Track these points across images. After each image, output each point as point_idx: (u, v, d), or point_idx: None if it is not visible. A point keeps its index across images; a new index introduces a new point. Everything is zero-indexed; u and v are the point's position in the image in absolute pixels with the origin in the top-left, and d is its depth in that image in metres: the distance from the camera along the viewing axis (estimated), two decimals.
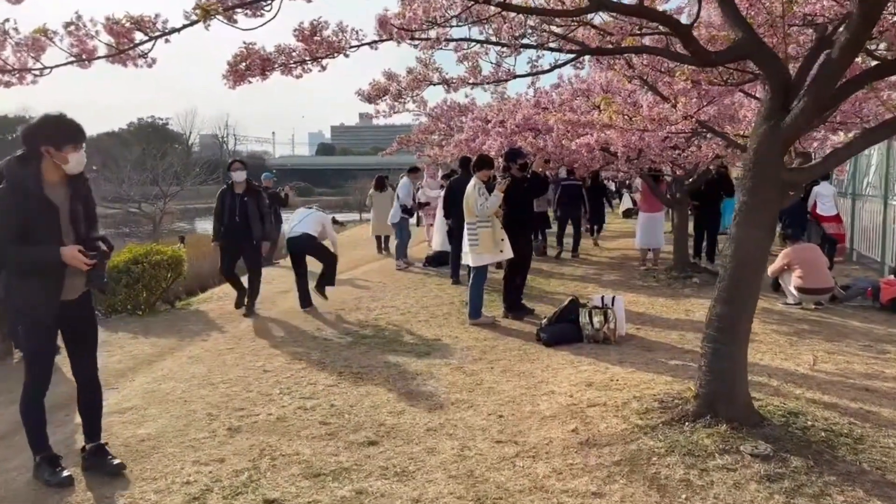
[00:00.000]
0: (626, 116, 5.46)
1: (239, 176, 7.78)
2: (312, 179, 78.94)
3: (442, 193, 12.65)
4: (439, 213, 11.13)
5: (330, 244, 8.29)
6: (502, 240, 6.76)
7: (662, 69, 4.67)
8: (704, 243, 10.21)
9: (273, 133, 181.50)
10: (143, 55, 2.85)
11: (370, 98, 5.32)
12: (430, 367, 5.37)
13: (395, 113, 14.45)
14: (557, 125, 6.73)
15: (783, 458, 3.23)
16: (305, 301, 8.04)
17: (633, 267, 10.72)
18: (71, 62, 2.73)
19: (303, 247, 7.92)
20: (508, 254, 6.82)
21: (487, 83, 4.46)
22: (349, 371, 5.33)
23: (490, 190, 6.79)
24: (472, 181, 6.74)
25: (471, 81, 4.57)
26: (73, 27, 2.61)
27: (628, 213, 20.62)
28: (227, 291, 9.72)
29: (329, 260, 8.02)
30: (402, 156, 18.71)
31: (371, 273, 11.09)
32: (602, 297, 6.35)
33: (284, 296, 9.12)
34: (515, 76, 4.42)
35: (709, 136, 7.03)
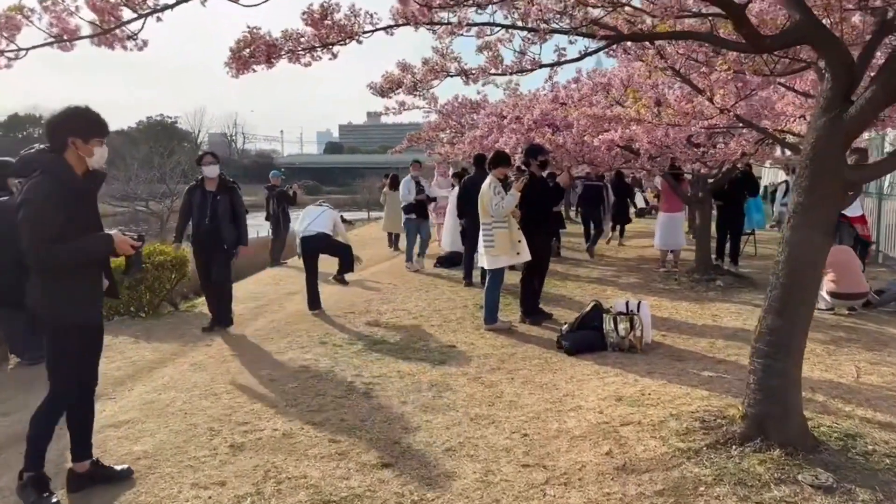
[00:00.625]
0: (654, 111, 5.10)
1: (211, 171, 6.71)
2: (321, 178, 78.73)
3: (453, 192, 12.66)
4: (450, 212, 10.82)
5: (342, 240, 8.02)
6: (519, 241, 6.42)
7: (699, 58, 4.32)
8: (728, 244, 9.82)
9: (281, 131, 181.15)
10: (132, 36, 2.54)
11: (383, 91, 4.99)
12: (445, 378, 5.04)
13: (404, 110, 14.21)
14: (579, 120, 6.38)
15: (848, 490, 2.88)
16: (315, 303, 7.73)
17: (653, 269, 10.34)
18: (49, 43, 2.42)
19: (318, 246, 7.62)
20: (526, 256, 6.48)
21: (510, 73, 4.12)
22: (360, 381, 5.01)
23: (507, 189, 6.45)
24: (488, 180, 6.40)
25: (492, 72, 4.23)
26: (50, 2, 2.30)
27: (641, 213, 20.23)
28: (233, 293, 9.44)
29: (344, 250, 7.82)
30: (412, 154, 18.44)
31: (381, 274, 10.78)
32: (626, 303, 6.00)
33: (292, 298, 8.82)
34: (541, 65, 4.07)
35: (736, 132, 6.68)
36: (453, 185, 12.13)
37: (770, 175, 19.84)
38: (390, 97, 4.98)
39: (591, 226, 12.24)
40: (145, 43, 2.58)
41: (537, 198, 6.45)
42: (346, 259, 7.84)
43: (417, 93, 4.62)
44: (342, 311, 7.70)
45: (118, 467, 3.57)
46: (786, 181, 11.26)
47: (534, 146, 6.87)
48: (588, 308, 5.97)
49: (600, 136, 6.13)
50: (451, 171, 14.44)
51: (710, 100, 4.57)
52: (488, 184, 6.30)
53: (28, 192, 2.96)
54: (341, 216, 9.43)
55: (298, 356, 5.80)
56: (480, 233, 6.38)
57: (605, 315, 5.79)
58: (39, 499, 3.22)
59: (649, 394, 4.49)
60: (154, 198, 26.57)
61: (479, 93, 12.97)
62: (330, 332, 6.69)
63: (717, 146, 6.85)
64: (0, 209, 5.03)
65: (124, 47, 2.52)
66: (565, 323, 6.10)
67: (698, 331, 6.47)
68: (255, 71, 3.36)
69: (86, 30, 2.44)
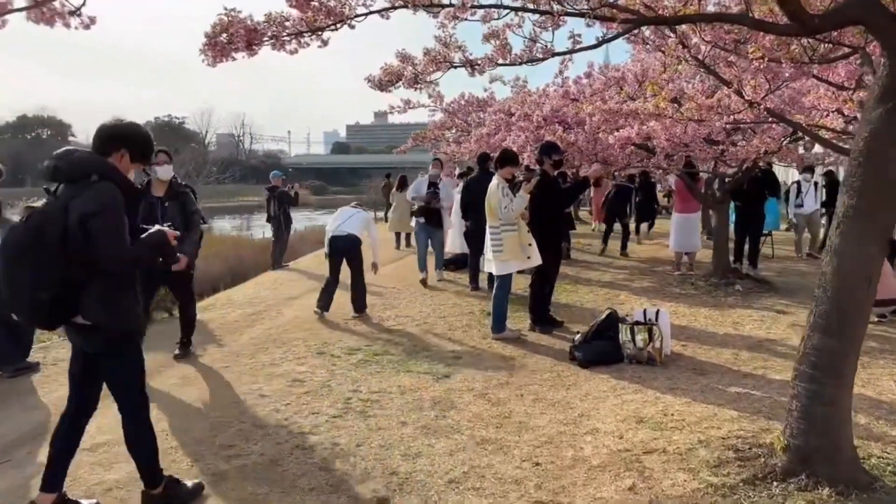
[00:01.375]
0: (676, 105, 4.71)
1: (164, 172, 5.54)
2: (327, 178, 78.66)
3: (457, 192, 12.45)
4: (455, 212, 10.45)
5: (371, 245, 7.55)
6: (529, 245, 6.03)
7: (727, 46, 3.93)
8: (746, 247, 9.39)
9: (289, 132, 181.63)
10: (76, 11, 2.18)
11: (381, 84, 4.62)
12: (449, 394, 4.66)
13: (409, 108, 13.91)
14: (593, 116, 5.99)
15: None
16: (325, 305, 7.41)
17: (667, 272, 9.93)
18: None
19: (347, 247, 7.29)
20: (536, 260, 6.09)
21: (520, 63, 3.74)
22: (357, 398, 4.64)
23: (515, 189, 6.07)
24: (495, 180, 6.02)
25: (499, 62, 3.85)
26: None
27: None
28: (231, 298, 9.11)
29: (360, 282, 7.47)
30: (415, 154, 18.13)
31: (385, 277, 10.40)
32: (644, 311, 5.60)
33: (291, 303, 8.47)
34: (554, 54, 3.69)
35: (758, 128, 6.26)
36: (459, 185, 11.80)
37: (781, 174, 19.35)
38: (390, 91, 4.60)
39: (612, 227, 12.05)
40: (92, 21, 2.23)
41: (549, 199, 6.06)
42: (360, 295, 7.49)
43: (419, 86, 4.24)
44: (342, 318, 7.34)
45: (85, 502, 3.21)
46: (798, 181, 10.81)
47: (548, 144, 6.47)
48: (602, 317, 5.58)
49: (615, 133, 5.74)
50: (457, 171, 14.08)
51: (739, 92, 4.17)
52: (496, 185, 5.92)
53: (103, 198, 2.76)
54: None
55: (293, 368, 5.44)
56: (487, 236, 6.00)
57: (621, 325, 5.40)
58: (192, 494, 3.24)
59: (673, 414, 4.10)
60: None
61: (485, 90, 12.54)
62: (328, 341, 6.33)
63: (738, 144, 6.44)
64: None
65: (67, 25, 2.17)
66: (578, 333, 5.70)
67: (720, 340, 6.07)
68: (234, 58, 2.99)
69: (20, 2, 2.09)
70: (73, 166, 2.80)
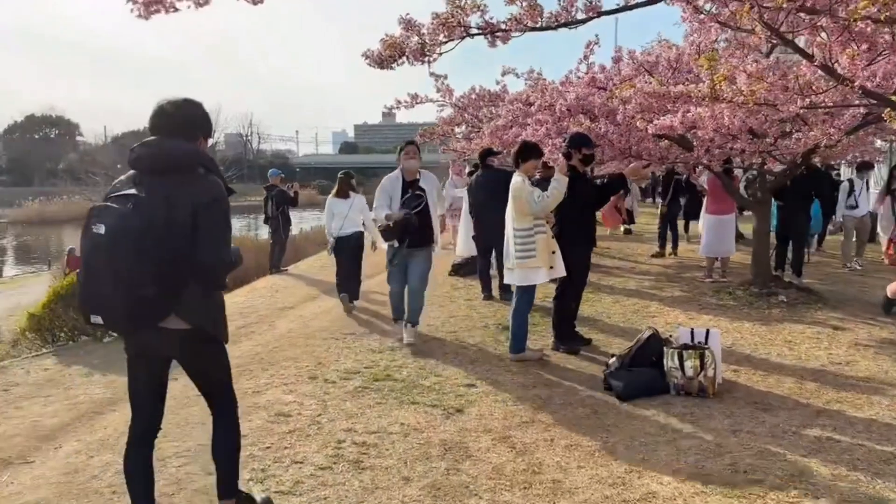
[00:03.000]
0: (736, 85, 3.87)
1: None
2: (335, 178, 77.96)
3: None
4: (465, 213, 9.65)
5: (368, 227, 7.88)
6: (553, 252, 5.20)
7: (816, 5, 3.09)
8: (789, 253, 8.51)
9: (297, 132, 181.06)
10: None
11: (382, 60, 3.81)
12: (463, 435, 3.85)
13: (417, 103, 13.09)
14: (627, 103, 5.15)
15: None
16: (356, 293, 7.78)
17: (697, 279, 9.07)
18: None
19: (352, 245, 7.80)
20: (560, 271, 5.26)
21: (555, 26, 2.92)
22: (351, 440, 3.83)
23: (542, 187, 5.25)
24: (517, 176, 5.19)
25: (528, 24, 3.02)
26: None
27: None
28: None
29: (356, 273, 7.96)
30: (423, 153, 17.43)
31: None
32: (692, 332, 4.76)
33: (285, 315, 7.68)
34: (601, 13, 2.87)
35: (817, 118, 5.40)
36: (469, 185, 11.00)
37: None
38: (392, 68, 3.78)
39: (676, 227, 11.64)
40: None
41: (579, 199, 5.22)
42: (355, 284, 7.87)
43: (426, 58, 3.42)
44: (340, 333, 6.54)
45: None
46: (850, 180, 9.90)
47: (578, 135, 5.62)
48: (644, 338, 4.74)
49: (655, 122, 4.91)
50: (467, 170, 13.26)
51: (827, 67, 3.34)
52: (521, 179, 5.09)
53: (217, 191, 2.59)
54: None
55: (279, 398, 4.64)
56: (511, 241, 5.15)
57: (666, 349, 4.56)
58: None
59: (745, 471, 3.26)
60: None
61: (498, 83, 11.76)
62: (323, 362, 5.53)
63: (796, 135, 5.58)
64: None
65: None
66: (614, 356, 4.86)
67: (775, 364, 5.21)
68: (175, 10, 2.18)
69: None
70: (180, 157, 2.56)
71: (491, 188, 7.58)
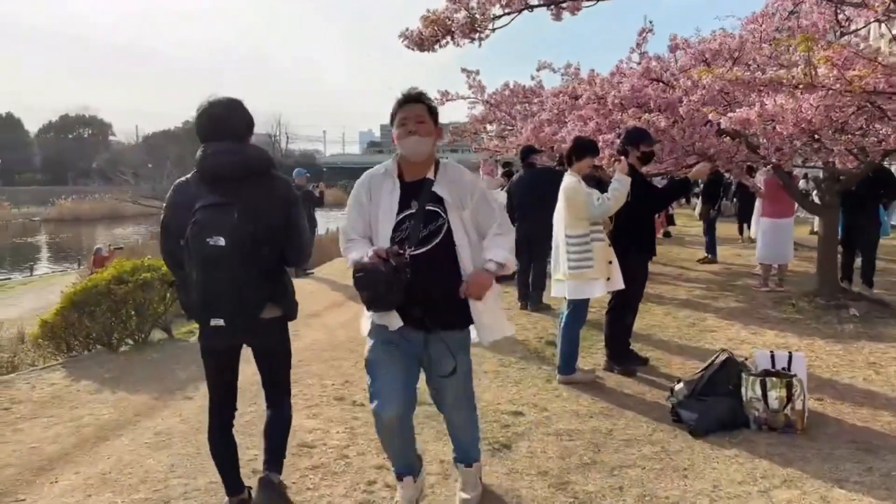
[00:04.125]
0: (837, 72, 3.25)
1: None
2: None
3: (501, 194, 11.41)
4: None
5: None
6: (610, 262, 4.62)
7: None
8: (857, 261, 7.79)
9: (324, 132, 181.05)
10: None
11: (422, 42, 3.29)
12: (513, 479, 3.30)
13: (447, 100, 12.57)
14: (692, 94, 4.54)
15: None
16: None
17: (752, 288, 8.38)
18: None
19: None
20: (618, 283, 4.68)
21: None
22: (383, 482, 3.31)
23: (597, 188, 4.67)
24: (570, 177, 4.61)
25: None
26: None
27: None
28: None
29: None
30: (441, 153, 17.07)
31: None
32: (772, 355, 4.14)
33: (311, 323, 7.20)
34: None
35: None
36: (502, 186, 10.43)
37: None
38: (434, 50, 3.24)
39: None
40: None
41: (638, 202, 4.63)
42: None
43: (477, 35, 2.88)
44: None
45: None
46: None
47: (636, 130, 5.03)
48: (717, 362, 4.14)
49: (730, 115, 4.30)
50: (499, 171, 12.69)
51: None
52: (575, 180, 4.52)
53: (292, 190, 2.87)
54: None
55: (302, 423, 4.13)
56: (565, 249, 4.57)
57: (745, 375, 3.95)
58: None
59: None
60: None
61: (532, 78, 11.19)
62: (350, 379, 5.02)
63: (882, 130, 4.91)
64: None
65: None
66: (679, 381, 4.26)
67: (863, 391, 4.56)
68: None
69: None
70: (259, 162, 2.73)
71: (535, 188, 7.07)
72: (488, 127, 13.34)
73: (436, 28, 3.11)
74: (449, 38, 3.17)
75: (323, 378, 5.08)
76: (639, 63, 6.35)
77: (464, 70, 12.27)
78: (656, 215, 10.17)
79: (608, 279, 4.62)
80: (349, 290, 8.96)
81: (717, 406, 3.91)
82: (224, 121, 2.67)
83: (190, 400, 4.72)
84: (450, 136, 13.40)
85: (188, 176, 2.72)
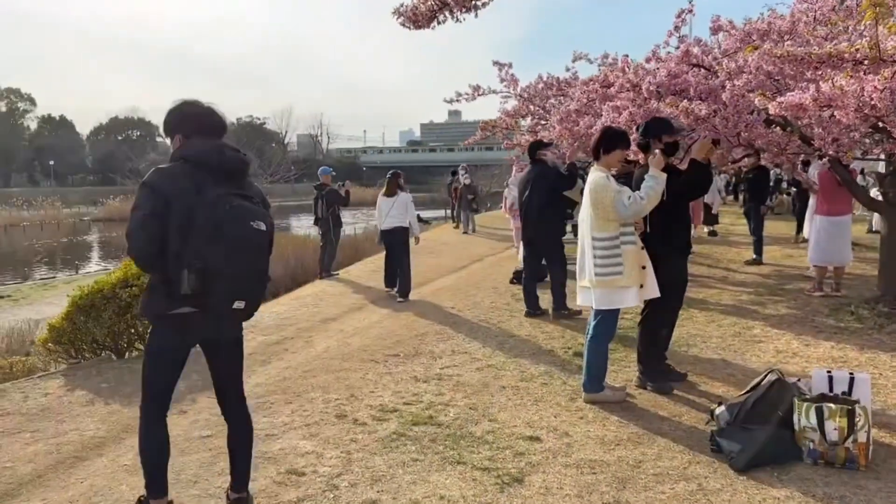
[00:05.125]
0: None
1: None
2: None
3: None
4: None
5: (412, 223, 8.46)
6: (643, 268, 4.11)
7: None
8: None
9: (364, 131, 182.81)
10: None
11: (416, 18, 2.87)
12: None
13: (479, 95, 12.11)
14: (737, 77, 3.99)
15: None
16: (391, 283, 8.44)
17: (805, 292, 7.69)
18: None
19: (393, 240, 8.26)
20: (653, 291, 4.16)
21: None
22: None
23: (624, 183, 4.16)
24: (597, 172, 4.12)
25: None
26: None
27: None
28: (259, 318, 7.56)
29: (405, 270, 8.24)
30: (478, 152, 17.23)
31: (444, 292, 8.66)
32: (829, 376, 3.57)
33: (326, 328, 6.84)
34: None
35: None
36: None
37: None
38: (431, 27, 2.81)
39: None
40: None
41: (668, 197, 4.10)
42: (405, 281, 8.19)
43: (472, 3, 2.42)
44: (383, 354, 5.64)
45: None
46: None
47: (657, 120, 4.53)
48: (765, 383, 3.59)
49: (780, 100, 3.74)
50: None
51: None
52: (603, 176, 4.02)
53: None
54: (417, 215, 9.56)
55: (296, 446, 3.75)
56: (591, 253, 4.08)
57: (797, 400, 3.40)
58: None
59: None
60: None
61: (568, 69, 10.65)
62: (356, 393, 4.63)
63: None
64: None
65: None
66: (720, 403, 3.72)
67: None
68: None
69: None
70: (247, 164, 2.82)
71: (539, 185, 6.64)
72: (521, 122, 12.86)
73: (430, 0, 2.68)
74: (447, 12, 2.73)
75: (327, 391, 4.70)
76: (677, 47, 5.78)
77: (496, 63, 11.80)
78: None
79: (641, 286, 4.10)
80: (371, 292, 8.66)
81: (763, 436, 3.36)
82: (224, 122, 2.85)
83: (183, 415, 4.40)
84: (479, 133, 12.99)
85: (171, 165, 2.68)
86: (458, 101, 11.79)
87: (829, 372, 3.61)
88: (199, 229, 2.51)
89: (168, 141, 2.89)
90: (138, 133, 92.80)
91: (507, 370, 5.05)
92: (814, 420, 3.29)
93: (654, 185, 3.91)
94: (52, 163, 74.43)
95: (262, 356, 5.82)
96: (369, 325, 6.83)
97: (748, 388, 3.72)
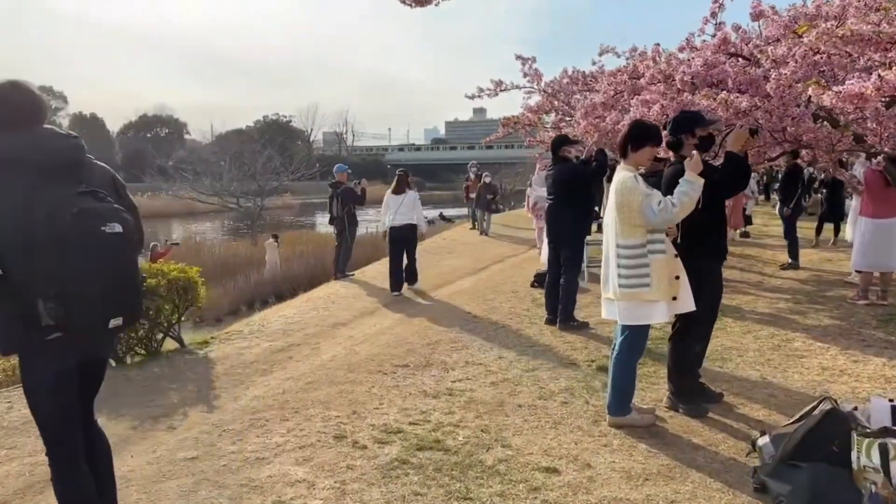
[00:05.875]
0: None
1: None
2: (425, 174, 77.70)
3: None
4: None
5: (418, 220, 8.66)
6: (677, 278, 3.67)
7: None
8: None
9: (389, 129, 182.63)
10: None
11: None
12: None
13: (501, 90, 11.69)
14: (785, 63, 3.53)
15: None
16: (397, 284, 8.48)
17: (848, 300, 7.14)
18: None
19: (401, 236, 8.42)
20: (688, 304, 3.72)
21: None
22: None
23: (651, 183, 3.73)
24: (624, 171, 3.69)
25: None
26: None
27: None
28: (266, 321, 7.26)
29: (412, 260, 8.66)
30: (498, 150, 16.64)
31: (462, 295, 8.26)
32: (892, 406, 3.11)
33: (334, 334, 6.49)
34: None
35: None
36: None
37: None
38: (435, 4, 2.42)
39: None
40: None
41: (707, 199, 3.66)
42: (412, 269, 8.67)
43: None
44: (391, 364, 5.27)
45: None
46: None
47: (686, 114, 4.09)
48: (817, 414, 3.14)
49: (837, 89, 3.28)
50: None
51: None
52: (631, 176, 3.59)
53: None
54: (441, 213, 10.13)
55: (286, 472, 3.40)
56: (615, 262, 3.66)
57: (856, 435, 2.95)
58: None
59: None
60: (245, 195, 25.55)
61: (594, 63, 10.17)
62: (359, 410, 4.26)
63: None
64: None
65: None
66: (763, 434, 3.28)
67: None
68: None
69: None
70: (81, 149, 2.39)
71: (559, 184, 6.24)
72: (544, 118, 12.42)
73: None
74: None
75: (328, 407, 4.34)
76: (713, 35, 5.30)
77: (518, 57, 11.39)
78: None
79: (674, 299, 3.66)
80: (385, 295, 8.30)
81: (816, 476, 2.92)
82: (41, 103, 2.32)
83: (172, 432, 4.08)
84: (501, 130, 12.58)
85: None
86: (479, 96, 11.36)
87: (891, 401, 3.15)
88: (42, 248, 2.09)
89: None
90: (167, 130, 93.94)
91: (524, 385, 4.65)
92: (877, 459, 2.84)
93: (690, 190, 3.47)
94: None
95: (264, 365, 5.49)
96: (380, 331, 6.47)
97: (796, 417, 3.27)
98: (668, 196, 3.51)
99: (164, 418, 4.32)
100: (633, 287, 3.55)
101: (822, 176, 12.10)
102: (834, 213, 11.38)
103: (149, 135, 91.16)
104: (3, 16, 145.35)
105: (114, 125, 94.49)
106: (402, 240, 8.40)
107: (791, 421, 3.28)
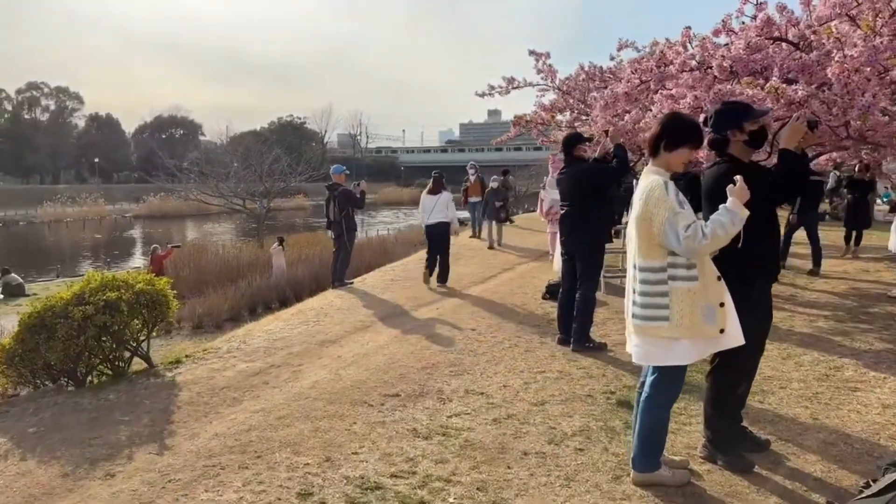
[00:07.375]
0: None
1: None
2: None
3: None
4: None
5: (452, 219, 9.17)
6: (722, 305, 2.94)
7: None
8: None
9: (403, 131, 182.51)
10: None
11: None
12: None
13: (513, 88, 10.98)
14: (845, 49, 2.82)
15: None
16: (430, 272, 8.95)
17: (894, 313, 6.37)
18: None
19: (435, 233, 8.97)
20: (735, 338, 2.99)
21: None
22: None
23: (684, 189, 3.01)
24: (653, 176, 2.97)
25: None
26: None
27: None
28: (249, 336, 6.61)
29: (445, 260, 9.09)
30: (507, 152, 15.61)
31: (465, 308, 7.56)
32: None
33: (321, 353, 5.82)
34: None
35: None
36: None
37: None
38: None
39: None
40: None
41: (756, 204, 2.94)
42: (444, 270, 9.06)
43: None
44: (379, 393, 4.60)
45: None
46: None
47: (734, 105, 3.36)
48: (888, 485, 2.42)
49: None
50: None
51: None
52: (663, 184, 2.87)
53: None
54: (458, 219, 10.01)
55: None
56: (631, 285, 2.95)
57: None
58: None
59: None
60: (251, 196, 25.01)
61: (612, 58, 9.46)
62: (334, 457, 3.58)
63: None
64: None
65: None
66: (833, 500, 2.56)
67: None
68: None
69: None
70: None
71: (573, 188, 5.56)
72: (559, 117, 11.71)
73: None
74: None
75: (298, 451, 3.67)
76: (753, 17, 4.58)
77: (532, 52, 10.71)
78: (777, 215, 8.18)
79: (722, 331, 2.94)
80: (384, 307, 7.60)
81: None
82: None
83: (107, 481, 3.42)
84: (513, 129, 11.88)
85: None
86: (490, 94, 10.68)
87: None
88: None
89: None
90: (182, 131, 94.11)
91: (531, 424, 3.95)
92: None
93: (728, 224, 2.74)
94: (97, 160, 75.92)
95: (234, 392, 4.83)
96: (372, 351, 5.79)
97: (876, 489, 2.55)
98: (701, 223, 2.78)
99: (103, 462, 3.66)
100: (648, 320, 2.84)
101: (853, 177, 11.25)
102: (858, 219, 10.56)
103: (164, 136, 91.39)
104: (24, 17, 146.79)
105: (129, 126, 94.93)
106: (438, 236, 8.97)
107: (868, 495, 2.56)
